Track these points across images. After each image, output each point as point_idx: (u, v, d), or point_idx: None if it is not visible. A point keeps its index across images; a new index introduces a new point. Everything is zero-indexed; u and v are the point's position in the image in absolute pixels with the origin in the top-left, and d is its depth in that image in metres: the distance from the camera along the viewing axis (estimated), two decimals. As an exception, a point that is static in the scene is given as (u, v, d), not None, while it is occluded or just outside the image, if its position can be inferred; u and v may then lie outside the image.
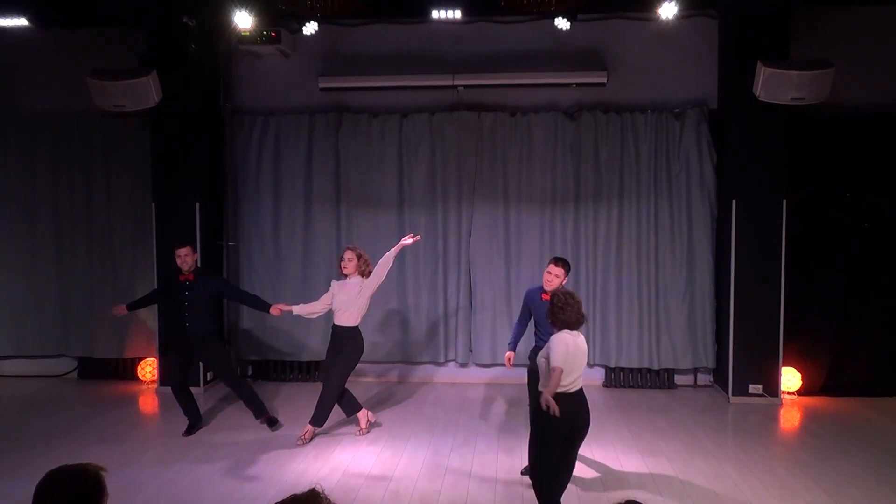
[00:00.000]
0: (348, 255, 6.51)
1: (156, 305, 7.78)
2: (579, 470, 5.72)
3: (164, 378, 7.94)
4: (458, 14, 7.42)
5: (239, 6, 6.87)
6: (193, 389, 7.02)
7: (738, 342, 7.73)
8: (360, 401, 6.87)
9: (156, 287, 7.57)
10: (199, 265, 6.82)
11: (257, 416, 6.83)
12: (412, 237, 6.52)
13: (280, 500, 2.20)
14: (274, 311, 6.65)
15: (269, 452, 6.21)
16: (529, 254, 8.39)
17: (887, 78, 7.90)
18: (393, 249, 6.47)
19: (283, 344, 8.59)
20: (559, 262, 5.68)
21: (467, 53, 8.35)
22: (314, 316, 6.79)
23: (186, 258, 6.60)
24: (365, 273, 6.48)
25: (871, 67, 7.87)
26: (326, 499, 2.21)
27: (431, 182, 8.49)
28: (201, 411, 6.98)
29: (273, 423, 6.85)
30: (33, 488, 2.28)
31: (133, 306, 6.92)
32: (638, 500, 2.35)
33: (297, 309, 6.65)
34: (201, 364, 7.82)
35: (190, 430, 6.69)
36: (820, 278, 7.93)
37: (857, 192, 7.88)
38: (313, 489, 2.23)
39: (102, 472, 2.33)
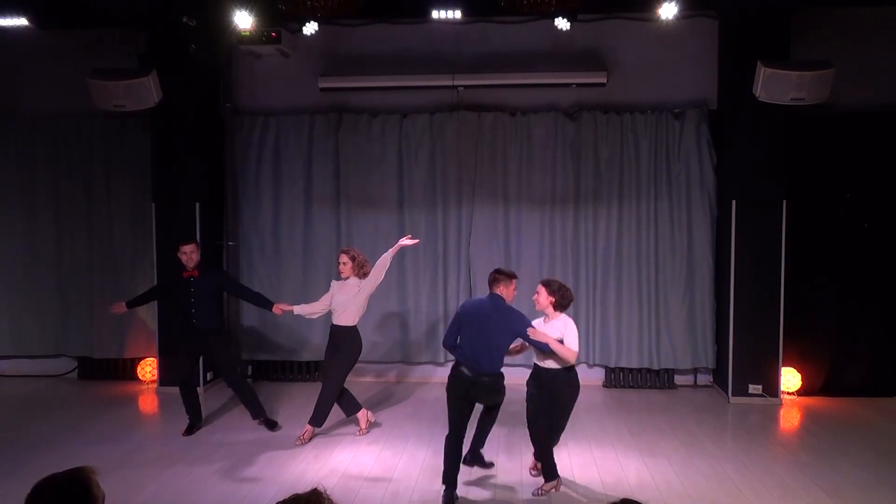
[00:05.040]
0: (343, 258, 6.52)
1: (156, 305, 7.77)
2: (579, 470, 5.75)
3: (169, 377, 7.86)
4: (458, 14, 7.42)
5: (239, 6, 6.87)
6: (193, 389, 7.02)
7: (738, 342, 7.72)
8: (360, 401, 6.87)
9: (155, 285, 7.56)
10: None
11: (254, 417, 6.83)
12: (410, 238, 6.50)
13: (281, 499, 2.20)
14: (276, 310, 6.66)
15: (268, 453, 6.20)
16: (529, 254, 8.38)
17: (887, 78, 7.90)
18: (391, 250, 6.46)
19: (284, 343, 8.58)
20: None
21: (467, 53, 8.35)
22: (314, 316, 6.81)
23: (192, 255, 6.60)
24: (361, 274, 6.49)
25: (871, 68, 7.86)
26: (328, 498, 2.21)
27: (431, 182, 8.48)
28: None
29: (273, 425, 6.84)
30: (32, 489, 2.19)
31: (132, 304, 6.92)
32: (635, 500, 2.34)
33: (297, 309, 6.66)
34: (202, 362, 7.81)
35: (190, 430, 6.69)
36: (820, 278, 7.92)
37: (857, 192, 7.89)
38: (315, 489, 2.23)
39: (94, 475, 2.25)
